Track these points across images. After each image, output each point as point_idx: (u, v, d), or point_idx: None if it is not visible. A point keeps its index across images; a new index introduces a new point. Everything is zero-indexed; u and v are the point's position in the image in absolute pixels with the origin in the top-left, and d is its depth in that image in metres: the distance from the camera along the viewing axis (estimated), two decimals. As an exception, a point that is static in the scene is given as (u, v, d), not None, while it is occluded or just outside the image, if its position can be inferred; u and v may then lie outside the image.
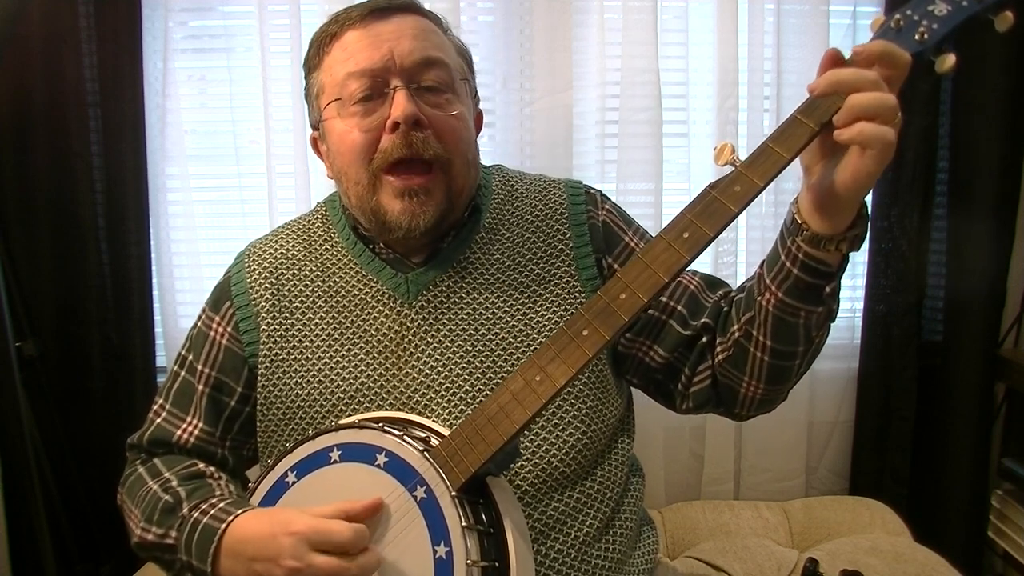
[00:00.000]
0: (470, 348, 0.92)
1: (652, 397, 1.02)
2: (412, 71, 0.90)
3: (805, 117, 0.72)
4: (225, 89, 1.69)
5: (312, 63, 0.96)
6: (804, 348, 0.86)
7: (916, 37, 0.72)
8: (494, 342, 0.92)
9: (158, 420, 1.00)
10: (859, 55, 0.72)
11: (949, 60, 0.71)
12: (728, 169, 0.75)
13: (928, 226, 1.75)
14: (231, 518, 0.82)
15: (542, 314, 0.94)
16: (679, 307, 0.96)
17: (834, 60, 0.73)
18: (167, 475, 0.94)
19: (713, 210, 0.73)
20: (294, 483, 0.83)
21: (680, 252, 0.72)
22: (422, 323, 0.93)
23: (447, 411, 0.90)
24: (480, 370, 0.91)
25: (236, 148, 1.70)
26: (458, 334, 0.93)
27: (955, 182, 1.73)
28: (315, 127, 1.00)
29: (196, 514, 0.85)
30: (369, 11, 0.92)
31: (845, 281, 0.83)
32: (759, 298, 0.85)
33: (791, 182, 1.65)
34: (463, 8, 1.64)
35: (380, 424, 0.80)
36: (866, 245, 1.75)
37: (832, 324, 0.88)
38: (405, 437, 0.77)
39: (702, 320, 0.94)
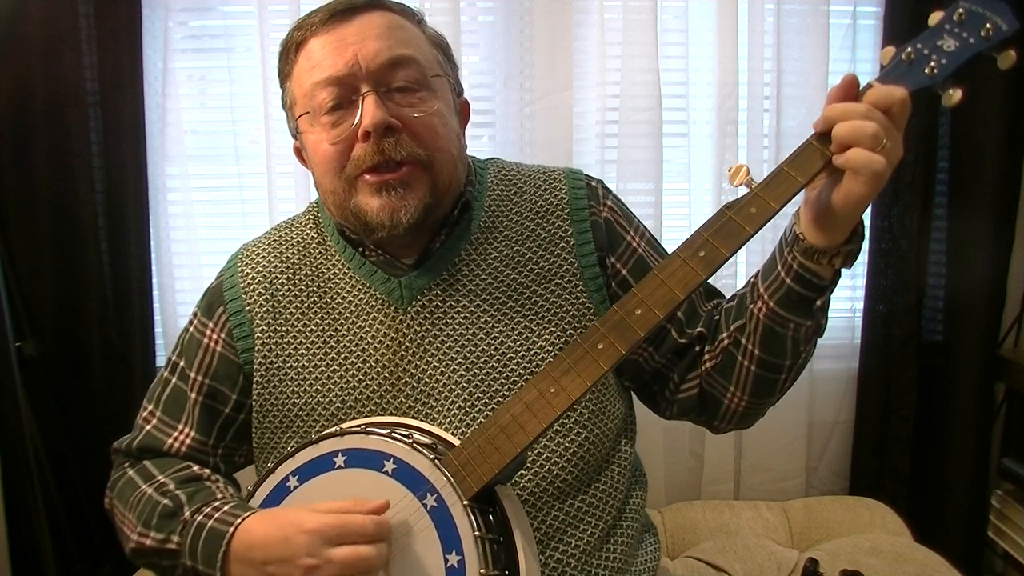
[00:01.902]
0: (468, 355, 0.90)
1: (637, 397, 1.03)
2: (379, 74, 0.86)
3: (819, 143, 0.75)
4: (225, 89, 1.69)
5: (283, 72, 0.94)
6: (791, 362, 0.87)
7: (926, 71, 0.74)
8: (493, 347, 0.90)
9: (148, 427, 0.98)
10: (867, 100, 0.74)
11: (956, 95, 0.74)
12: (738, 189, 0.77)
13: (928, 226, 1.76)
14: (239, 521, 0.80)
15: (543, 316, 0.92)
16: (678, 314, 0.95)
17: (848, 87, 0.75)
18: (162, 478, 0.92)
19: (729, 230, 0.74)
20: (296, 487, 0.82)
21: (695, 270, 0.74)
22: (418, 329, 0.91)
23: (447, 419, 0.89)
24: (479, 377, 0.90)
25: (236, 148, 1.70)
26: (456, 339, 0.91)
27: (955, 182, 1.73)
28: (295, 137, 0.97)
29: (200, 518, 0.84)
30: (331, 14, 0.88)
31: (845, 281, 0.84)
32: (751, 306, 0.85)
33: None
34: (463, 8, 1.64)
35: (388, 431, 0.79)
36: (866, 245, 1.76)
37: (819, 338, 0.89)
38: (414, 444, 0.77)
39: (697, 329, 0.94)
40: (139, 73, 1.60)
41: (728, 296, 0.96)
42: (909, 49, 0.76)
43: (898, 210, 1.71)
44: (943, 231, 1.76)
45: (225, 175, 1.71)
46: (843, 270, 0.83)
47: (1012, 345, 1.81)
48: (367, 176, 0.87)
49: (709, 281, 1.07)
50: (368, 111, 0.84)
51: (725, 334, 0.89)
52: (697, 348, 0.94)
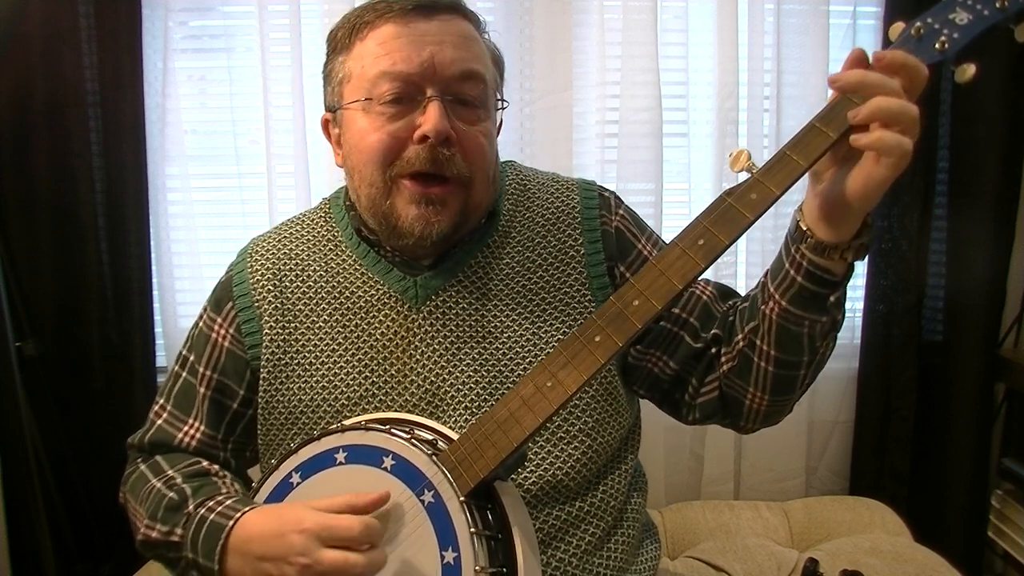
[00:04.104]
0: (477, 356, 0.90)
1: (658, 406, 1.01)
2: (450, 82, 0.86)
3: (824, 125, 0.71)
4: (225, 89, 1.69)
5: (341, 44, 0.91)
6: (809, 358, 0.85)
7: (936, 46, 0.71)
8: (501, 351, 0.91)
9: (159, 421, 0.99)
10: (881, 61, 0.70)
11: (969, 70, 0.70)
12: (739, 176, 0.74)
13: (928, 226, 1.76)
14: (238, 515, 0.81)
15: (551, 323, 0.92)
16: (691, 319, 0.94)
17: (859, 60, 0.72)
18: (171, 472, 0.93)
19: (729, 217, 0.72)
20: (299, 484, 0.82)
21: (695, 259, 0.71)
22: (429, 329, 0.91)
23: (453, 419, 0.89)
24: (487, 379, 0.90)
25: (236, 148, 1.70)
26: (465, 341, 0.91)
27: (955, 182, 1.73)
28: (330, 110, 0.95)
29: (202, 511, 0.84)
30: (414, 6, 0.87)
31: (845, 281, 0.82)
32: (763, 307, 0.83)
33: (795, 192, 1.65)
34: (463, 8, 1.64)
35: (387, 426, 0.79)
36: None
37: (837, 333, 0.86)
38: (413, 440, 0.77)
39: (712, 331, 0.92)
40: (139, 73, 1.60)
41: (743, 295, 0.95)
42: (918, 23, 0.72)
43: (898, 210, 1.71)
44: (943, 231, 1.76)
45: (225, 175, 1.71)
46: (851, 277, 0.80)
47: (1012, 345, 1.81)
48: (408, 181, 0.87)
49: (721, 280, 1.07)
50: (432, 117, 0.84)
51: (740, 336, 0.87)
52: (713, 350, 0.92)
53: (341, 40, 0.91)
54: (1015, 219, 1.74)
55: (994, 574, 1.85)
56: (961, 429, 1.77)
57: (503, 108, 0.96)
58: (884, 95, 0.68)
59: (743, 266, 1.74)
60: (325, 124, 0.97)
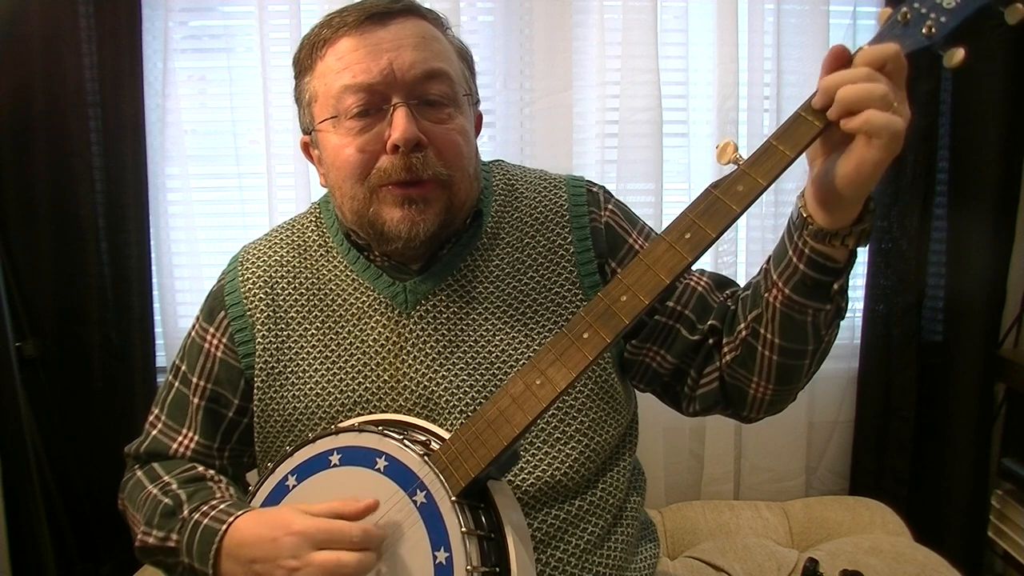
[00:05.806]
0: (470, 360, 0.90)
1: (659, 399, 1.01)
2: (413, 85, 0.85)
3: (809, 114, 0.71)
4: (225, 89, 1.69)
5: (304, 65, 0.91)
6: (813, 347, 0.84)
7: (924, 31, 0.70)
8: (494, 353, 0.90)
9: (154, 432, 0.99)
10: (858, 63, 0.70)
11: (958, 54, 0.69)
12: (730, 168, 0.74)
13: (928, 226, 1.76)
14: (231, 519, 0.81)
15: (542, 324, 0.92)
16: (687, 311, 0.93)
17: (838, 58, 0.71)
18: (166, 478, 0.94)
19: (716, 210, 0.71)
20: (294, 487, 0.82)
21: (682, 253, 0.71)
22: (420, 333, 0.91)
23: (448, 423, 0.89)
24: (480, 382, 0.90)
25: (236, 148, 1.70)
26: (458, 345, 0.91)
27: (955, 182, 1.73)
28: (306, 132, 0.95)
29: (196, 516, 0.85)
30: (367, 16, 0.86)
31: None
32: (766, 294, 0.83)
33: (792, 181, 1.65)
34: (463, 8, 1.64)
35: (380, 428, 0.79)
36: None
37: (842, 320, 0.85)
38: (405, 441, 0.77)
39: (709, 323, 0.92)
40: (139, 73, 1.60)
41: (743, 284, 0.94)
42: (905, 9, 0.71)
43: (898, 210, 1.71)
44: (943, 231, 1.76)
45: (225, 175, 1.71)
46: (853, 264, 0.80)
47: (1012, 345, 1.81)
48: (388, 187, 0.87)
49: (720, 272, 1.07)
50: (399, 124, 0.84)
51: (743, 324, 0.87)
52: (711, 341, 0.92)
53: (303, 62, 0.91)
54: (1015, 219, 1.74)
55: (994, 574, 1.85)
56: (961, 429, 1.77)
57: (476, 103, 0.96)
58: (855, 84, 0.67)
59: (743, 265, 1.74)
60: (305, 147, 0.97)
